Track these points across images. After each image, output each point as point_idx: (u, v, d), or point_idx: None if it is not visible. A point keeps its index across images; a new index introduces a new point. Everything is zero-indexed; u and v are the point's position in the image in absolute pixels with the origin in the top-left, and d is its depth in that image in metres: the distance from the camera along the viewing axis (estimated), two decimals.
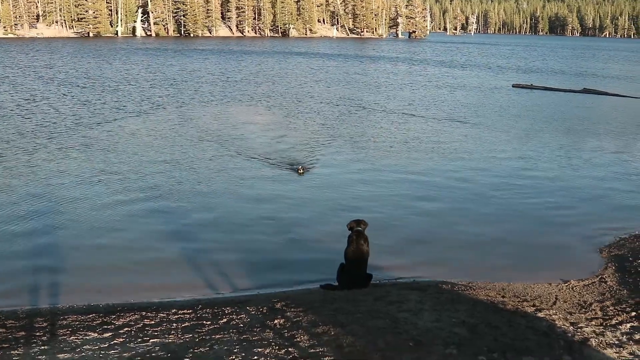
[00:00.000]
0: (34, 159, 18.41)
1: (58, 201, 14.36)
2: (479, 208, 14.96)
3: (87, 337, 7.66)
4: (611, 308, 8.91)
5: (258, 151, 20.08)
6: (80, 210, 13.81)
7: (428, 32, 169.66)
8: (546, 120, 29.19)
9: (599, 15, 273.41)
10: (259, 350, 7.05)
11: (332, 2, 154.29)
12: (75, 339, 7.61)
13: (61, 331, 7.92)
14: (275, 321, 8.05)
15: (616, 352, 7.09)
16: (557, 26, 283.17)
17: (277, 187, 16.11)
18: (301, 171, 17.09)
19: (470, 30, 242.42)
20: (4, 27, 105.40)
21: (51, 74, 44.57)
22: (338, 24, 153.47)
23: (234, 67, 56.70)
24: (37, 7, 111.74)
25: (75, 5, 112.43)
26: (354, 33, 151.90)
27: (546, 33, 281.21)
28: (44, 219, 13.14)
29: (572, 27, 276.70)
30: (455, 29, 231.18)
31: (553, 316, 8.31)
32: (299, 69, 56.49)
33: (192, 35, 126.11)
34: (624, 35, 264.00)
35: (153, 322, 8.23)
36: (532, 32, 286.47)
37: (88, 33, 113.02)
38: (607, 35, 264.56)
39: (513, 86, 44.88)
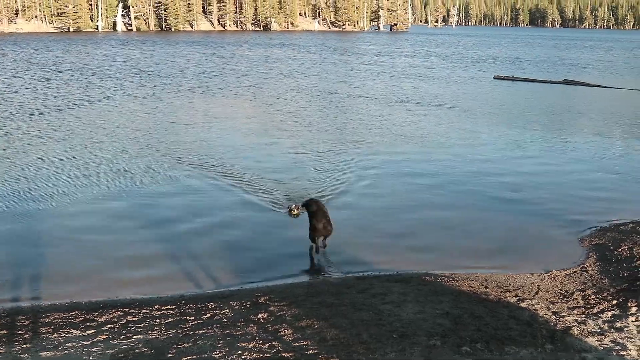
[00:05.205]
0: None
1: (34, 197, 14.19)
2: (460, 199, 14.98)
3: (70, 335, 7.62)
4: (593, 297, 9.00)
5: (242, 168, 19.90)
6: (59, 205, 13.66)
7: (409, 24, 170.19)
8: (528, 112, 29.32)
9: (579, 7, 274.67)
10: (243, 344, 7.05)
11: None
12: (58, 336, 7.56)
13: (43, 329, 7.86)
14: (259, 315, 8.05)
15: (598, 340, 7.16)
16: (537, 18, 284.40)
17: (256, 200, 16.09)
18: (295, 212, 13.29)
19: (451, 23, 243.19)
20: None
21: (25, 67, 44.09)
22: (320, 17, 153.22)
23: (213, 60, 56.40)
24: (16, 1, 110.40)
25: (55, 0, 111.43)
26: (335, 26, 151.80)
27: (527, 25, 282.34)
28: (20, 215, 13.00)
29: (552, 19, 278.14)
30: (437, 22, 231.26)
31: (535, 306, 8.38)
32: (280, 62, 56.33)
33: (173, 29, 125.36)
34: (603, 26, 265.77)
35: (136, 319, 8.19)
36: (513, 24, 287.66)
37: (68, 28, 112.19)
38: (587, 27, 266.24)
39: (494, 78, 45.06)
